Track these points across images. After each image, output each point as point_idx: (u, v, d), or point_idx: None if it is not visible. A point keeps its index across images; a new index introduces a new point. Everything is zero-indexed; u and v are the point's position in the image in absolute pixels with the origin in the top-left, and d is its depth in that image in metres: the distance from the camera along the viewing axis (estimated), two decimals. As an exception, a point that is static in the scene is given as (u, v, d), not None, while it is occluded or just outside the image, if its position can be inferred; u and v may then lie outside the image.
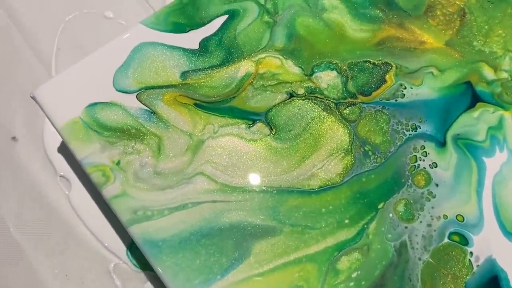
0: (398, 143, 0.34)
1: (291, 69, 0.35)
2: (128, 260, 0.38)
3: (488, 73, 0.36)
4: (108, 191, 0.32)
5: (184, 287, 0.30)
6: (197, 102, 0.34)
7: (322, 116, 0.34)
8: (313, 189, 0.33)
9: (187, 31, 0.36)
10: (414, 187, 0.33)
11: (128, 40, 0.35)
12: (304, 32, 0.36)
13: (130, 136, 0.33)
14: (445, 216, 0.32)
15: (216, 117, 0.34)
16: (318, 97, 0.35)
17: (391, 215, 0.32)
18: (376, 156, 0.33)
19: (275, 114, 0.34)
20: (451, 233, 0.32)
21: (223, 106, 0.34)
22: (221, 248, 0.31)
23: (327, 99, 0.35)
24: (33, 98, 0.34)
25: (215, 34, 0.36)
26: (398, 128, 0.34)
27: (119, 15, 0.46)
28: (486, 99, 0.35)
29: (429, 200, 0.33)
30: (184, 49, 0.36)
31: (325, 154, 0.33)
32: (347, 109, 0.35)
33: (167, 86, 0.35)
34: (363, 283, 0.31)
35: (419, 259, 0.32)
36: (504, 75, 0.36)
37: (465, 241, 0.32)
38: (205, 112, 0.34)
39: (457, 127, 0.34)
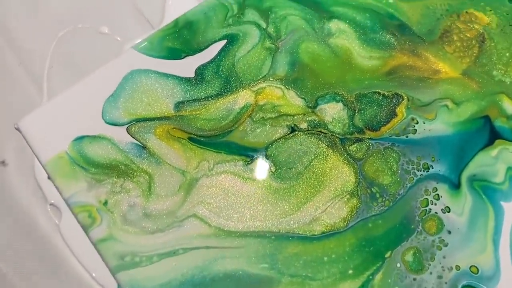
0: (408, 185, 0.31)
1: (293, 101, 0.33)
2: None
3: (509, 106, 0.33)
4: (94, 234, 0.30)
5: None
6: (192, 136, 0.32)
7: (326, 153, 0.32)
8: (315, 235, 0.30)
9: (183, 57, 0.34)
10: (425, 234, 0.30)
11: (118, 66, 0.33)
12: (308, 59, 0.34)
13: (119, 173, 0.31)
14: (458, 267, 0.30)
15: (212, 152, 0.32)
16: (322, 132, 0.32)
17: (398, 265, 0.30)
18: (384, 199, 0.31)
19: (275, 151, 0.32)
20: (463, 286, 0.30)
21: (219, 141, 0.32)
22: (213, 299, 0.29)
23: (331, 134, 0.32)
24: (17, 129, 0.32)
25: (212, 61, 0.34)
26: (408, 167, 0.32)
27: (115, 31, 0.44)
28: (505, 136, 0.32)
29: (441, 249, 0.30)
30: (179, 78, 0.33)
31: (329, 196, 0.31)
32: (353, 145, 0.32)
33: (159, 118, 0.32)
34: None
35: (429, 314, 0.29)
36: (526, 108, 0.33)
37: (479, 294, 0.29)
38: (199, 147, 0.32)
39: (473, 167, 0.32)
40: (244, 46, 0.34)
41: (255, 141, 0.32)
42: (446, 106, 0.33)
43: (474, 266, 0.30)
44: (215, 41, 0.34)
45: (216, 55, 0.34)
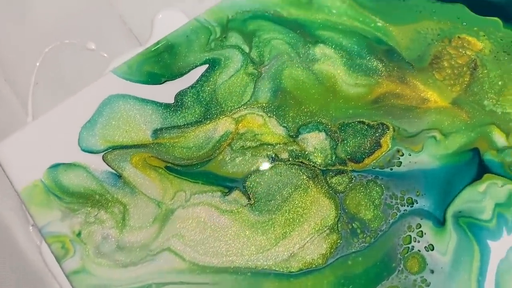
0: (391, 220, 0.30)
1: (275, 129, 0.32)
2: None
3: (499, 138, 0.32)
4: (67, 266, 0.29)
5: None
6: (169, 165, 0.31)
7: (307, 185, 0.31)
8: (292, 272, 0.29)
9: (163, 82, 0.33)
10: (406, 273, 0.29)
11: (96, 91, 0.32)
12: (291, 86, 0.33)
13: (93, 203, 0.30)
14: (440, 309, 0.29)
15: (189, 183, 0.31)
16: (303, 163, 0.31)
17: (378, 305, 0.29)
18: (365, 235, 0.30)
19: (254, 182, 0.31)
20: (445, 329, 0.28)
21: (197, 170, 0.31)
22: (185, 338, 0.28)
23: (313, 165, 0.31)
24: (-7, 154, 0.32)
25: (193, 86, 0.33)
26: (392, 202, 0.30)
27: (102, 47, 0.43)
28: (495, 170, 0.31)
29: (423, 289, 0.29)
30: (158, 103, 0.32)
31: (308, 231, 0.30)
32: (335, 177, 0.31)
33: (136, 146, 0.31)
34: None
35: None
36: (518, 139, 0.32)
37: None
38: (177, 176, 0.31)
39: (459, 203, 0.30)
40: (226, 71, 0.33)
41: (234, 171, 0.31)
42: (434, 137, 0.31)
43: (457, 308, 0.29)
44: (196, 66, 0.33)
45: (197, 80, 0.33)
